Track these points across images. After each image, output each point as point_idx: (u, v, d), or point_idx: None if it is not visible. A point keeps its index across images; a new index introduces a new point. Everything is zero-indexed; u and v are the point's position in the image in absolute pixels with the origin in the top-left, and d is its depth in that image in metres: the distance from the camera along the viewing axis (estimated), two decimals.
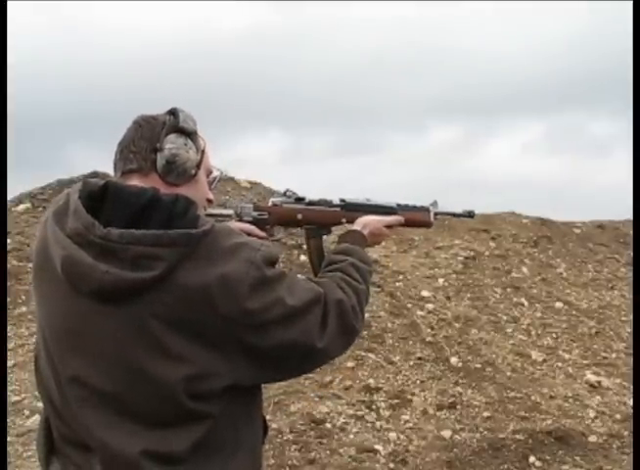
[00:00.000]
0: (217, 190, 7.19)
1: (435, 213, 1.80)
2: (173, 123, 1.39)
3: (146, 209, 1.27)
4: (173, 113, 1.41)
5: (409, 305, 5.99)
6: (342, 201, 1.72)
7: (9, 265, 5.66)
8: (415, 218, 1.77)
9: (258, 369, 1.32)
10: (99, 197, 1.29)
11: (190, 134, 1.41)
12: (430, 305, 6.06)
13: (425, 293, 6.25)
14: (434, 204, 1.81)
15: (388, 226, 1.74)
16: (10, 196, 6.77)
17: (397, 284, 6.32)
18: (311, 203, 1.70)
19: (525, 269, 7.13)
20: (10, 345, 4.92)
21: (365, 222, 1.70)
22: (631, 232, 7.01)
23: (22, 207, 6.75)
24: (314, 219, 1.68)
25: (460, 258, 7.02)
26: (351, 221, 1.71)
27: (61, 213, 1.31)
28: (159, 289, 1.24)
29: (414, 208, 1.78)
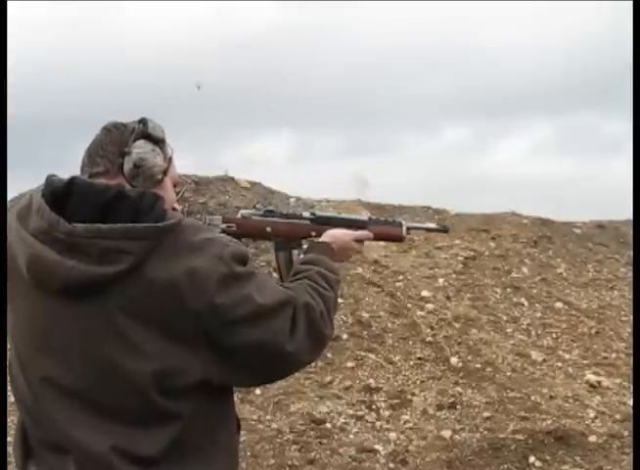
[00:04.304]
0: (217, 190, 7.19)
1: (408, 228, 1.80)
2: (142, 130, 1.40)
3: (112, 203, 1.26)
4: (142, 121, 1.42)
5: (409, 305, 5.99)
6: (313, 214, 1.72)
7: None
8: (386, 233, 1.77)
9: (227, 368, 1.30)
10: (63, 194, 1.28)
11: (158, 141, 1.42)
12: (430, 305, 6.06)
13: (425, 293, 6.25)
14: (406, 220, 1.82)
15: (358, 240, 1.74)
16: (10, 196, 6.75)
17: (397, 284, 6.32)
18: (281, 215, 1.69)
19: (525, 269, 7.13)
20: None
21: (333, 235, 1.69)
22: (631, 232, 7.01)
23: None
24: (283, 232, 1.67)
25: (460, 258, 7.02)
26: (320, 234, 1.70)
27: (24, 214, 1.30)
28: (125, 283, 1.23)
29: (386, 222, 1.78)
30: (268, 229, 1.68)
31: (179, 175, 1.52)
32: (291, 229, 1.69)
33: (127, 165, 1.36)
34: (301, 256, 1.62)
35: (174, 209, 1.47)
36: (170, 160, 1.45)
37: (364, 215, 1.77)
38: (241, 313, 1.28)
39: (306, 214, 1.71)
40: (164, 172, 1.42)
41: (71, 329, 1.26)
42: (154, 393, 1.25)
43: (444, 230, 1.83)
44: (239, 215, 1.70)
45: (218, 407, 1.36)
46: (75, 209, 1.26)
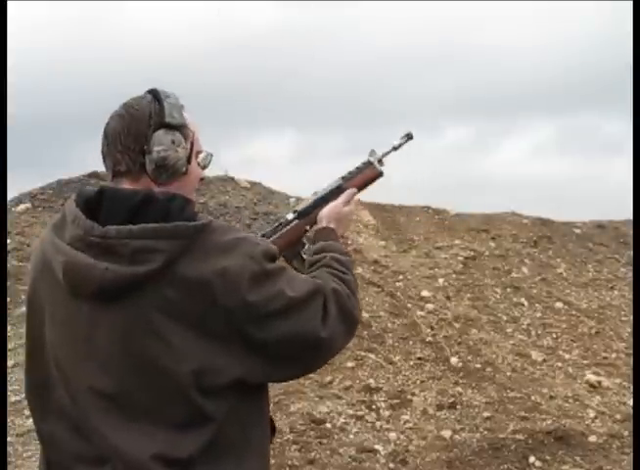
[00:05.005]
0: (217, 190, 7.19)
1: (379, 161, 1.76)
2: (159, 118, 1.34)
3: (141, 206, 1.27)
4: (157, 98, 1.36)
5: (409, 305, 5.99)
6: (295, 211, 1.70)
7: (9, 265, 5.66)
8: (364, 179, 1.73)
9: (264, 363, 1.30)
10: (96, 202, 1.29)
11: (178, 128, 1.37)
12: (430, 305, 6.06)
13: (425, 293, 6.25)
14: (372, 153, 1.77)
15: (347, 203, 1.71)
16: (10, 196, 6.77)
17: (397, 284, 6.32)
18: (272, 231, 1.68)
19: (525, 269, 7.13)
20: (10, 345, 4.92)
21: (325, 215, 1.68)
22: (631, 232, 7.01)
23: (22, 207, 6.74)
24: (282, 246, 1.66)
25: (460, 258, 7.02)
26: (314, 223, 1.69)
27: (59, 226, 1.32)
28: (159, 283, 1.23)
29: (357, 170, 1.73)
30: None
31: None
32: (286, 239, 1.69)
33: (150, 166, 1.33)
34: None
35: (202, 178, 1.46)
36: (192, 142, 1.40)
37: (336, 180, 1.74)
38: (274, 308, 1.28)
39: (290, 216, 1.69)
40: (188, 160, 1.38)
41: (110, 333, 1.26)
42: (194, 392, 1.25)
43: (410, 137, 1.77)
44: None
45: (253, 408, 1.36)
46: (107, 214, 1.27)
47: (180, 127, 1.37)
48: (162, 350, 1.24)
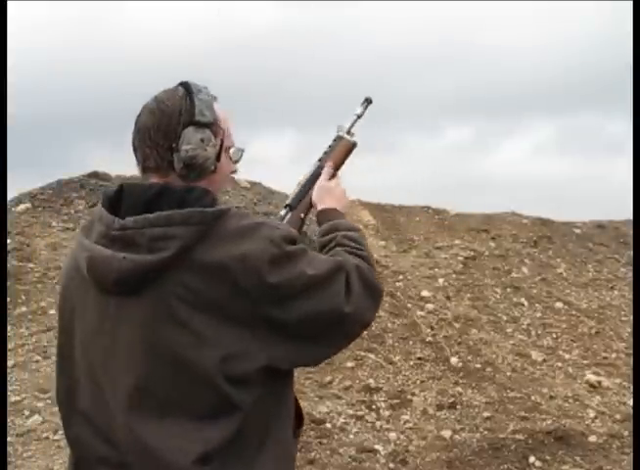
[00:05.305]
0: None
1: (348, 133, 1.76)
2: (189, 116, 1.33)
3: (158, 197, 1.28)
4: (188, 93, 1.35)
5: (409, 305, 5.99)
6: (286, 206, 1.68)
7: (9, 265, 5.65)
8: (340, 153, 1.71)
9: (290, 346, 1.29)
10: (116, 199, 1.31)
11: (208, 125, 1.35)
12: (430, 305, 6.06)
13: (425, 293, 6.25)
14: (340, 128, 1.76)
15: (332, 178, 1.70)
16: (10, 196, 6.76)
17: (397, 284, 6.32)
18: None
19: (525, 269, 7.13)
20: (10, 345, 4.92)
21: (317, 198, 1.67)
22: (631, 232, 7.01)
23: (22, 207, 6.74)
24: None
25: (460, 258, 7.02)
26: (308, 211, 1.68)
27: (88, 227, 1.34)
28: (179, 270, 1.23)
29: (331, 148, 1.72)
30: None
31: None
32: None
33: (178, 165, 1.33)
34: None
35: (233, 172, 1.46)
36: (222, 138, 1.38)
37: (314, 164, 1.73)
38: (296, 289, 1.28)
39: (283, 212, 1.68)
40: (218, 157, 1.37)
41: (133, 326, 1.26)
42: (220, 380, 1.24)
43: (369, 102, 1.76)
44: None
45: (278, 397, 1.35)
46: (127, 208, 1.28)
47: (210, 125, 1.35)
48: (186, 338, 1.24)
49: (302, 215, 1.67)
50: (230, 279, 1.23)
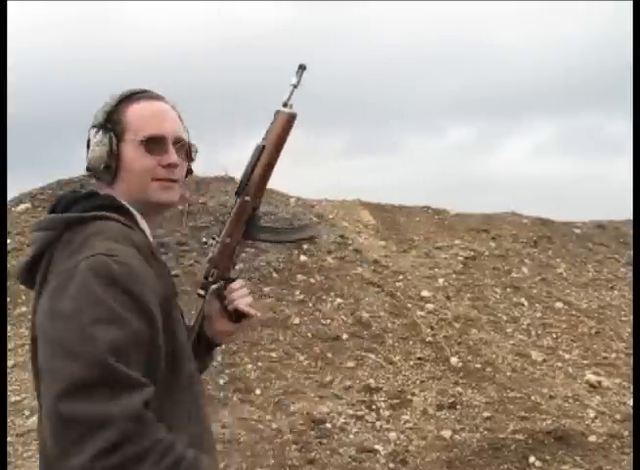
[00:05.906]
0: (217, 190, 7.18)
1: (285, 105, 1.70)
2: (91, 123, 1.36)
3: (74, 201, 1.32)
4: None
5: (409, 305, 5.99)
6: (236, 194, 1.58)
7: (9, 265, 5.65)
8: (281, 127, 1.60)
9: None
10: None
11: (97, 127, 1.33)
12: (430, 305, 6.05)
13: (425, 293, 6.25)
14: (278, 113, 1.70)
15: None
16: (10, 196, 6.76)
17: (397, 284, 6.32)
18: (224, 224, 1.60)
19: (525, 269, 7.13)
20: (10, 345, 4.93)
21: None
22: (631, 232, 7.01)
23: (22, 207, 6.74)
24: (237, 226, 1.58)
25: (460, 258, 7.02)
26: (254, 195, 1.56)
27: None
28: (41, 273, 1.26)
29: (272, 124, 1.62)
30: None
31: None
32: (236, 220, 1.56)
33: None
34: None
35: (169, 164, 1.33)
36: (122, 134, 1.31)
37: (258, 143, 1.61)
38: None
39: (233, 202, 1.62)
40: (113, 154, 1.30)
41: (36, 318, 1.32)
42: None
43: (303, 68, 1.70)
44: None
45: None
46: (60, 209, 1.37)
47: (99, 126, 1.33)
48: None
49: (247, 198, 1.55)
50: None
